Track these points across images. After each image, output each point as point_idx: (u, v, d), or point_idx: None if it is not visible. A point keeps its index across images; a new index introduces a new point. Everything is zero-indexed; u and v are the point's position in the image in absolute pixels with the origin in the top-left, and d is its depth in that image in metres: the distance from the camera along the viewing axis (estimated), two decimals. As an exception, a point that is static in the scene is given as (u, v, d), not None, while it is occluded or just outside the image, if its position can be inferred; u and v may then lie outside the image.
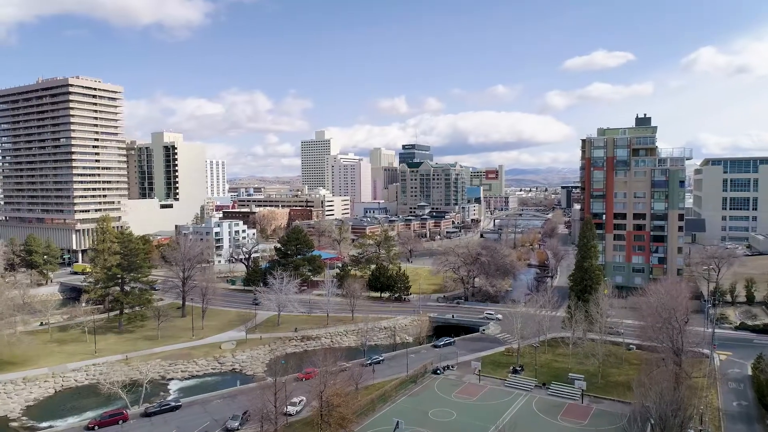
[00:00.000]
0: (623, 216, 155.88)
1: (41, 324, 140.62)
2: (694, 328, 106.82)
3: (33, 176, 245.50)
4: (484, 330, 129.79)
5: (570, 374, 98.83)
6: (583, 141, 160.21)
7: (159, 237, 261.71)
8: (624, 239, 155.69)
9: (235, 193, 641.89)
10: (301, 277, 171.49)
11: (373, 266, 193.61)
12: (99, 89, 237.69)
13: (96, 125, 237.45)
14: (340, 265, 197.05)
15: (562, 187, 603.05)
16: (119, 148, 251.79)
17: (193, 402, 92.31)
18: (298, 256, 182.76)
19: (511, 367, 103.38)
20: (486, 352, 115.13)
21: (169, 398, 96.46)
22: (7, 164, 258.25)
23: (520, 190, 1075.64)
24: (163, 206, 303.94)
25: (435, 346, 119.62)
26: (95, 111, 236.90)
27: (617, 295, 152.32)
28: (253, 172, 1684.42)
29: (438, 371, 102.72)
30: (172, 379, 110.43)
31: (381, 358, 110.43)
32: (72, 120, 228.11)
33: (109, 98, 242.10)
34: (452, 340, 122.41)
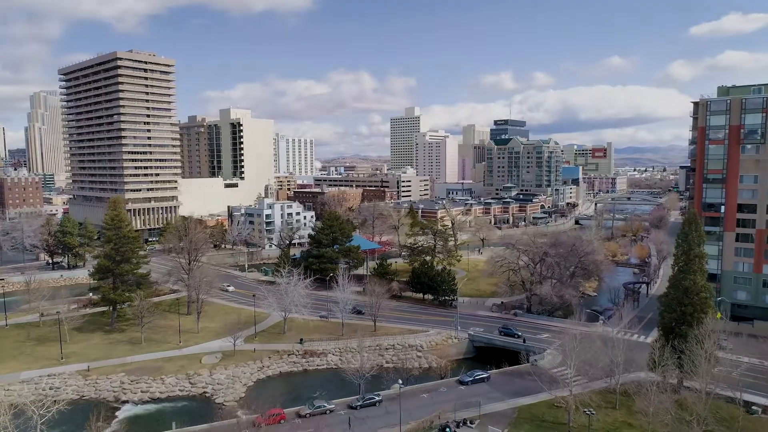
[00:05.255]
0: (752, 208, 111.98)
1: (41, 315, 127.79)
2: None
3: (93, 154, 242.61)
4: (536, 361, 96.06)
5: (646, 458, 64.35)
6: (695, 104, 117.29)
7: (218, 217, 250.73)
8: (752, 240, 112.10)
9: (325, 172, 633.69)
10: (321, 274, 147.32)
11: (428, 258, 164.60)
12: (150, 62, 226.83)
13: (147, 100, 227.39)
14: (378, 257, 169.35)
15: (681, 167, 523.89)
16: (172, 124, 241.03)
17: (103, 452, 70.06)
18: (334, 246, 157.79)
19: (556, 434, 70.50)
20: (527, 399, 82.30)
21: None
22: (73, 142, 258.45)
23: (634, 170, 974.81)
24: (227, 185, 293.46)
25: (461, 383, 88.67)
26: (146, 86, 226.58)
27: (735, 317, 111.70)
28: (358, 151, 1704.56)
29: (448, 429, 72.33)
30: (127, 401, 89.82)
31: (378, 399, 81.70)
32: (121, 95, 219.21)
33: (161, 72, 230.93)
34: (485, 374, 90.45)
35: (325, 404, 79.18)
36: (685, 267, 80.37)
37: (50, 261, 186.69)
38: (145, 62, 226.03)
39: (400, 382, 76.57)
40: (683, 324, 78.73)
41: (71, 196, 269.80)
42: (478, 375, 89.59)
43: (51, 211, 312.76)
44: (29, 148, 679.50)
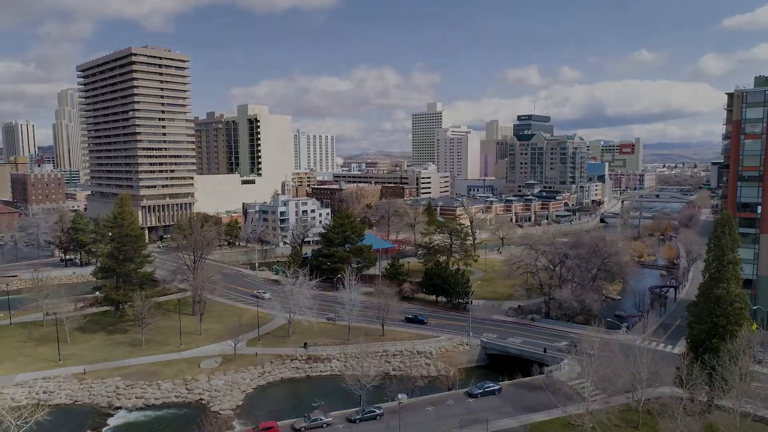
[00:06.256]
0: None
1: (45, 314, 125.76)
2: None
3: (109, 150, 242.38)
4: (551, 372, 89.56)
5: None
6: (730, 96, 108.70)
7: (234, 214, 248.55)
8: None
9: (347, 169, 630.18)
10: (331, 273, 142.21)
11: (442, 258, 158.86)
12: (165, 58, 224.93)
13: (162, 96, 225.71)
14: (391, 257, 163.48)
15: (713, 163, 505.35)
16: (187, 120, 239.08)
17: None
18: (346, 245, 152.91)
19: (570, 458, 64.19)
20: (540, 416, 75.91)
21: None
22: (91, 138, 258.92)
23: (663, 167, 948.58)
24: (244, 182, 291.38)
25: (469, 395, 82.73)
26: (161, 82, 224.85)
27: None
28: (381, 147, 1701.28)
29: (452, 448, 66.75)
30: (120, 407, 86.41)
31: (379, 412, 76.35)
32: (136, 91, 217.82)
33: (176, 67, 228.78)
34: (496, 386, 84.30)
35: (322, 417, 74.16)
36: (717, 274, 72.91)
37: (63, 258, 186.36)
38: (160, 58, 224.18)
39: (400, 396, 70.82)
40: (714, 337, 71.40)
41: (90, 193, 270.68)
42: (489, 387, 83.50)
43: (74, 207, 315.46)
44: (56, 145, 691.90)
